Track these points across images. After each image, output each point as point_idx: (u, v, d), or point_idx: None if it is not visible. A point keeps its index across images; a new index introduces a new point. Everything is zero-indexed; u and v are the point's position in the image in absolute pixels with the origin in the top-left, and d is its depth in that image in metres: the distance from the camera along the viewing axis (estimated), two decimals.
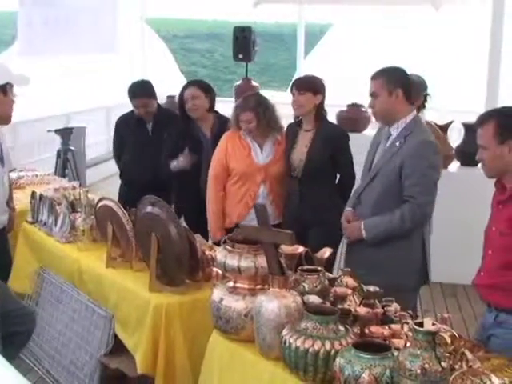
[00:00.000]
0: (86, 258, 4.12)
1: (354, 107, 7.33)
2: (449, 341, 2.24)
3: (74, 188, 4.98)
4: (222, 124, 5.01)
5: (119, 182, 5.80)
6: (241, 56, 9.85)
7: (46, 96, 10.35)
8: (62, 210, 4.47)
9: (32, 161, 8.90)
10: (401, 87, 3.73)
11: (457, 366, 2.30)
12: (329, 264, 3.28)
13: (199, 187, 4.94)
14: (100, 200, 4.11)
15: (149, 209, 3.60)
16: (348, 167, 4.58)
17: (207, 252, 3.59)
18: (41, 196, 4.73)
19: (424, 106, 4.94)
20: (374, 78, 3.79)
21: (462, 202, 5.90)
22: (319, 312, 2.53)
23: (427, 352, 2.21)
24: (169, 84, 11.67)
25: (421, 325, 2.25)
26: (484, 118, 2.99)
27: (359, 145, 4.68)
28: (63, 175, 7.44)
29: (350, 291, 2.88)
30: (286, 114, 5.02)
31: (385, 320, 2.71)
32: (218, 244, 3.97)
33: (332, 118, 5.29)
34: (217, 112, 5.23)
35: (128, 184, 5.58)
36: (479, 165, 3.14)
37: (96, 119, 11.20)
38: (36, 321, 3.95)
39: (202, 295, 3.39)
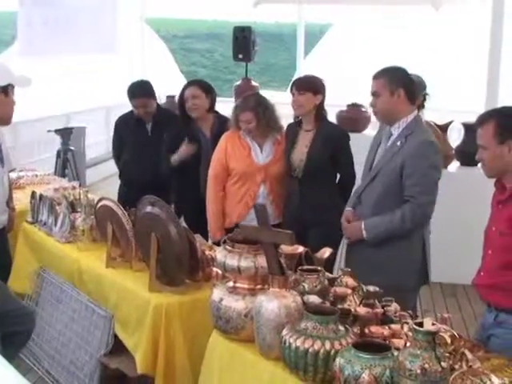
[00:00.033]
0: (85, 258, 4.12)
1: (354, 107, 7.33)
2: (449, 341, 2.25)
3: (73, 188, 4.98)
4: (221, 124, 5.01)
5: (119, 182, 5.80)
6: (241, 56, 9.85)
7: (45, 96, 10.35)
8: (62, 210, 4.47)
9: (32, 161, 8.90)
10: (403, 87, 3.74)
11: (457, 366, 2.30)
12: (329, 264, 3.28)
13: (199, 187, 4.94)
14: (100, 200, 4.11)
15: (148, 209, 3.60)
16: (348, 167, 4.58)
17: (207, 252, 3.59)
18: (41, 196, 4.73)
19: (423, 106, 4.95)
20: (376, 77, 3.79)
21: (461, 201, 5.90)
22: (319, 312, 2.53)
23: (427, 352, 2.21)
24: (169, 84, 11.67)
25: (421, 325, 2.25)
26: (484, 118, 2.99)
27: (359, 145, 4.68)
28: (63, 175, 7.44)
29: (349, 291, 2.88)
30: (285, 113, 5.02)
31: (385, 320, 2.71)
32: (217, 244, 3.97)
33: (332, 117, 5.29)
34: (216, 112, 5.23)
35: (127, 184, 5.58)
36: (479, 165, 3.14)
37: (96, 119, 11.20)
38: (35, 321, 3.96)
39: (202, 295, 3.39)
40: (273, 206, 4.61)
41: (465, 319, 5.48)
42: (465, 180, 6.06)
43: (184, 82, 8.96)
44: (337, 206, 4.32)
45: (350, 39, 14.92)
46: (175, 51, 23.00)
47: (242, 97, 4.85)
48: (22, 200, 5.11)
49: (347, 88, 10.45)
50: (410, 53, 12.42)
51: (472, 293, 5.20)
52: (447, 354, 2.27)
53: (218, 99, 5.30)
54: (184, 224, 4.51)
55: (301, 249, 3.04)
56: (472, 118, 4.02)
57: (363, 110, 7.32)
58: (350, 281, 2.98)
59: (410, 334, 2.39)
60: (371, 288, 2.88)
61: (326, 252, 3.17)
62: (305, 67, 11.82)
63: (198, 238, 3.80)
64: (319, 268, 3.03)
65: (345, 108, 7.35)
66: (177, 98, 5.32)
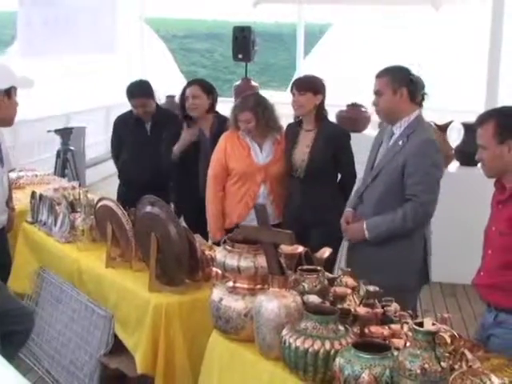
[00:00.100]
0: (85, 258, 4.12)
1: (354, 107, 7.34)
2: (448, 341, 2.25)
3: (73, 188, 4.98)
4: (221, 124, 5.01)
5: (118, 181, 5.80)
6: (240, 56, 9.85)
7: (45, 96, 10.35)
8: (62, 210, 4.47)
9: (32, 161, 8.89)
10: (406, 86, 3.74)
11: (456, 366, 2.30)
12: (329, 264, 3.28)
13: (198, 187, 4.94)
14: (99, 200, 4.11)
15: (148, 209, 3.60)
16: (349, 166, 4.58)
17: (207, 252, 3.60)
18: (40, 196, 4.73)
19: (421, 106, 4.94)
20: (379, 76, 3.80)
21: (461, 201, 5.90)
22: (319, 312, 2.53)
23: (427, 352, 2.21)
24: (168, 84, 11.68)
25: (421, 325, 2.25)
26: (484, 118, 2.99)
27: (359, 144, 4.69)
28: (63, 175, 7.44)
29: (349, 291, 2.88)
30: (285, 113, 5.02)
31: (384, 320, 2.71)
32: (217, 244, 3.97)
33: (332, 117, 5.29)
34: (216, 112, 5.23)
35: (126, 184, 5.58)
36: (479, 165, 3.14)
37: (96, 119, 11.20)
38: (34, 320, 3.96)
39: (202, 295, 3.39)
40: (273, 206, 4.61)
41: (465, 319, 5.48)
42: (464, 180, 6.06)
43: (184, 81, 8.95)
44: (338, 206, 4.33)
45: (349, 39, 14.93)
46: (175, 51, 22.99)
47: (240, 97, 4.85)
48: (21, 200, 5.11)
49: (347, 88, 10.46)
50: (409, 53, 12.43)
51: (472, 293, 5.20)
52: (447, 354, 2.27)
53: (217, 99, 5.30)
54: (184, 224, 4.51)
55: (300, 249, 3.04)
56: (472, 118, 4.02)
57: (363, 109, 7.33)
58: (350, 281, 2.98)
59: (410, 333, 2.39)
60: (371, 288, 2.88)
61: (325, 252, 3.17)
62: (304, 67, 11.82)
63: (198, 237, 3.80)
64: (319, 268, 3.03)
65: (345, 108, 7.36)
66: (178, 97, 5.32)
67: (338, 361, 2.32)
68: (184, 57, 31.40)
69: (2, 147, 4.17)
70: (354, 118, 7.19)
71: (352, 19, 14.40)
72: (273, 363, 2.67)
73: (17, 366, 1.89)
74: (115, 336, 3.75)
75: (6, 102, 3.75)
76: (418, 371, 2.19)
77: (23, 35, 9.18)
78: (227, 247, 2.89)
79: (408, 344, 2.38)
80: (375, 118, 6.77)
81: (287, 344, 2.48)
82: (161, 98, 9.37)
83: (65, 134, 8.04)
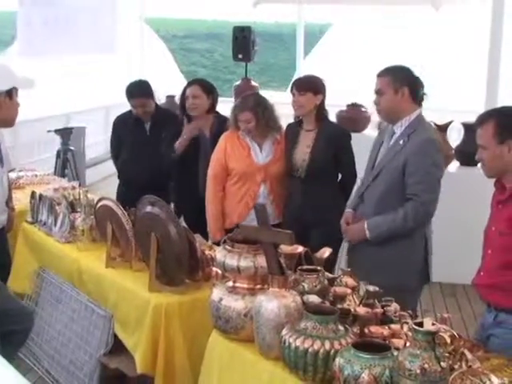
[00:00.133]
0: (85, 258, 4.12)
1: (354, 107, 7.34)
2: (448, 341, 2.24)
3: (73, 188, 4.98)
4: (220, 123, 5.00)
5: (118, 181, 5.80)
6: (240, 56, 9.86)
7: (45, 96, 10.35)
8: (62, 210, 4.47)
9: (32, 161, 8.89)
10: (407, 86, 3.75)
11: (456, 366, 2.30)
12: (329, 264, 3.27)
13: (198, 187, 4.94)
14: (99, 200, 4.11)
15: (148, 209, 3.60)
16: (350, 166, 4.58)
17: (207, 252, 3.60)
18: (40, 196, 4.73)
19: (421, 106, 4.94)
20: (381, 75, 3.80)
21: (461, 201, 5.90)
22: (319, 312, 2.53)
23: (427, 352, 2.21)
24: (168, 84, 11.68)
25: (420, 325, 2.26)
26: (483, 118, 2.99)
27: (359, 144, 4.69)
28: (63, 175, 7.43)
29: (349, 291, 2.88)
30: (285, 113, 5.02)
31: (384, 320, 2.71)
32: (217, 244, 3.97)
33: (332, 117, 5.29)
34: (216, 112, 5.23)
35: (126, 184, 5.58)
36: (479, 165, 3.14)
37: (96, 119, 11.20)
38: (34, 319, 3.96)
39: (202, 295, 3.39)
40: (273, 206, 4.61)
41: (464, 319, 5.48)
42: (464, 180, 6.06)
43: (184, 81, 8.93)
44: (338, 206, 4.34)
45: (349, 39, 14.93)
46: (175, 51, 22.99)
47: (240, 97, 4.85)
48: (21, 200, 5.11)
49: (347, 88, 10.45)
50: (409, 53, 12.42)
51: (472, 293, 5.20)
52: (447, 354, 2.27)
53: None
54: (184, 224, 4.51)
55: (300, 249, 3.04)
56: (472, 118, 4.02)
57: (363, 109, 7.34)
58: (350, 281, 2.98)
59: (410, 333, 2.39)
60: (371, 288, 2.88)
61: (325, 252, 3.17)
62: (304, 67, 11.82)
63: (198, 237, 3.81)
64: (319, 268, 3.03)
65: (344, 108, 7.36)
66: (178, 97, 5.32)
67: (338, 361, 2.32)
68: (184, 57, 31.40)
69: (1, 147, 4.17)
70: (353, 118, 7.19)
71: (352, 19, 14.39)
72: (272, 363, 2.67)
73: (17, 366, 1.90)
74: (115, 336, 3.75)
75: (8, 103, 3.75)
76: (418, 371, 2.19)
77: (23, 35, 9.18)
78: (227, 247, 2.89)
79: (408, 344, 2.38)
80: (375, 118, 6.78)
81: (287, 344, 2.48)
82: (161, 97, 9.37)
83: (65, 133, 8.04)
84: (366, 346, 2.33)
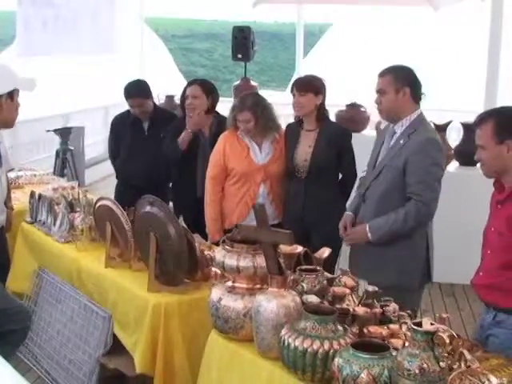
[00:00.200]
0: (84, 258, 4.12)
1: (353, 107, 7.34)
2: (447, 341, 2.24)
3: (72, 188, 4.98)
4: (220, 123, 5.00)
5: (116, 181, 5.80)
6: (240, 56, 9.85)
7: (45, 96, 10.35)
8: (61, 210, 4.47)
9: (31, 160, 8.89)
10: (408, 85, 3.75)
11: (455, 366, 2.30)
12: (328, 264, 3.27)
13: (197, 186, 4.95)
14: (99, 200, 4.11)
15: (147, 208, 3.60)
16: (351, 166, 4.58)
17: (206, 252, 3.59)
18: (40, 196, 4.73)
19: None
20: (382, 75, 3.81)
21: (460, 201, 5.90)
22: (318, 312, 2.53)
23: (425, 352, 2.21)
24: (168, 84, 11.67)
25: (419, 325, 2.26)
26: (482, 118, 2.99)
27: (358, 144, 4.69)
28: (62, 175, 7.43)
29: (348, 291, 2.88)
30: (285, 113, 5.02)
31: (383, 320, 2.71)
32: (217, 244, 3.97)
33: (331, 117, 5.29)
34: (216, 111, 5.23)
35: (124, 183, 5.58)
36: (478, 165, 3.14)
37: (95, 119, 11.20)
38: (32, 319, 3.96)
39: (201, 295, 3.40)
40: (272, 206, 4.60)
41: (463, 319, 5.48)
42: (464, 180, 6.06)
43: (183, 81, 8.92)
44: (340, 206, 4.34)
45: (349, 39, 14.93)
46: (174, 51, 23.01)
47: (239, 97, 4.85)
48: (20, 200, 5.11)
49: (346, 88, 10.45)
50: (409, 53, 12.42)
51: (471, 293, 5.19)
52: (446, 354, 2.27)
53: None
54: (183, 224, 4.51)
55: (300, 249, 3.04)
56: (471, 118, 4.02)
57: (362, 109, 7.34)
58: (349, 281, 2.98)
59: (409, 333, 2.39)
60: (370, 288, 2.88)
61: (324, 252, 3.18)
62: (304, 67, 11.82)
63: (197, 237, 3.81)
64: (318, 268, 3.03)
65: (344, 108, 7.36)
66: (177, 97, 5.32)
67: (337, 361, 2.32)
68: (183, 57, 31.42)
69: (1, 147, 4.16)
70: (353, 117, 7.18)
71: (351, 19, 14.40)
72: (271, 363, 2.67)
73: (15, 366, 1.89)
74: (114, 336, 3.75)
75: (9, 104, 3.75)
76: (417, 371, 2.19)
77: (22, 36, 9.17)
78: (226, 247, 2.89)
79: (407, 344, 2.38)
80: (374, 118, 6.78)
81: (286, 344, 2.48)
82: (160, 97, 9.37)
83: (64, 133, 8.04)
84: (364, 345, 2.33)
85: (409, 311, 2.83)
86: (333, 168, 4.55)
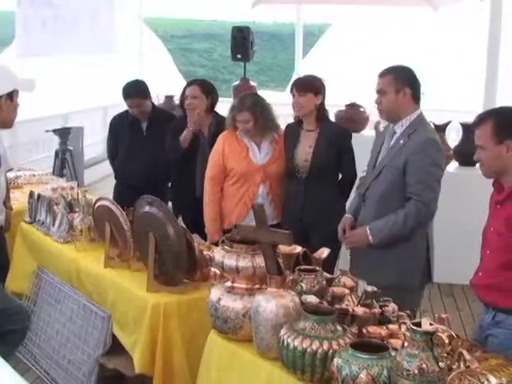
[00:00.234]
0: (83, 258, 4.12)
1: (353, 107, 7.34)
2: (446, 341, 2.24)
3: (71, 188, 4.98)
4: (219, 123, 5.00)
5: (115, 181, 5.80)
6: (239, 56, 9.86)
7: (44, 96, 10.35)
8: (60, 210, 4.47)
9: (30, 160, 8.89)
10: (408, 86, 3.76)
11: (454, 366, 2.30)
12: (327, 264, 3.27)
13: (196, 186, 4.95)
14: (98, 200, 4.11)
15: (146, 208, 3.60)
16: (351, 166, 4.58)
17: (205, 252, 3.60)
18: (39, 196, 4.73)
19: None
20: (382, 75, 3.81)
21: (459, 202, 5.90)
22: (317, 312, 2.53)
23: (425, 352, 2.21)
24: (167, 84, 11.68)
25: (418, 325, 2.26)
26: (481, 118, 2.99)
27: (357, 144, 4.69)
28: (61, 175, 7.43)
29: (347, 291, 2.88)
30: (284, 114, 5.02)
31: (382, 320, 2.71)
32: (216, 244, 3.97)
33: (330, 118, 5.29)
34: (215, 111, 5.23)
35: (123, 184, 5.57)
36: (477, 165, 3.14)
37: (94, 119, 11.20)
38: (31, 319, 3.96)
39: (200, 295, 3.39)
40: (271, 206, 4.60)
41: (463, 319, 5.49)
42: (463, 180, 6.06)
43: (182, 81, 8.92)
44: (339, 206, 4.34)
45: (348, 39, 14.94)
46: (173, 51, 23.01)
47: (238, 97, 4.85)
48: (19, 200, 5.10)
49: (346, 88, 10.46)
50: (408, 53, 12.43)
51: (470, 293, 5.18)
52: (445, 354, 2.27)
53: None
54: (182, 224, 4.51)
55: (299, 249, 3.04)
56: (470, 118, 4.02)
57: (361, 110, 7.34)
58: (348, 281, 2.98)
59: (408, 334, 2.39)
60: (369, 288, 2.88)
61: (324, 252, 3.17)
62: (303, 67, 11.83)
63: (196, 237, 3.81)
64: (317, 268, 3.03)
65: (343, 108, 7.36)
66: (177, 97, 5.33)
67: (336, 361, 2.32)
68: (183, 57, 31.42)
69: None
70: (352, 118, 7.18)
71: (350, 19, 14.41)
72: (271, 363, 2.67)
73: (15, 366, 1.89)
74: (113, 336, 3.75)
75: (8, 105, 3.76)
76: (416, 371, 2.19)
77: (22, 37, 9.17)
78: (225, 247, 2.89)
79: (406, 344, 2.39)
80: (374, 118, 6.79)
81: (285, 344, 2.48)
82: (160, 97, 9.38)
83: (63, 133, 8.04)
84: (364, 346, 2.33)
85: (408, 311, 2.83)
86: (333, 168, 4.55)
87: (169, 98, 9.43)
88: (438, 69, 12.50)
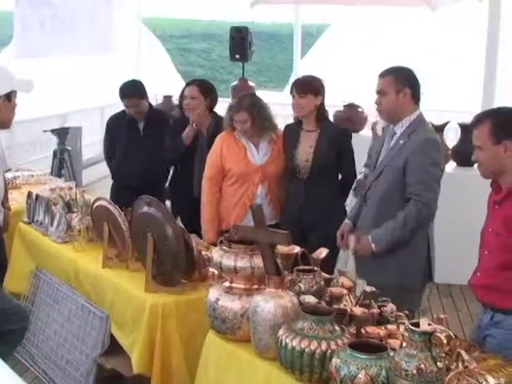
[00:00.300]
0: (82, 259, 4.11)
1: (351, 107, 7.35)
2: (445, 341, 2.25)
3: (70, 188, 4.98)
4: (217, 123, 5.00)
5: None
6: (237, 56, 9.85)
7: (42, 96, 10.34)
8: (58, 211, 4.46)
9: (28, 161, 8.87)
10: (409, 86, 3.76)
11: (453, 367, 2.30)
12: (326, 264, 3.27)
13: (194, 186, 4.96)
14: (96, 200, 4.11)
15: (145, 209, 3.60)
16: (351, 166, 4.59)
17: (203, 252, 3.59)
18: (37, 196, 4.73)
19: None
20: (383, 76, 3.81)
21: (458, 202, 5.90)
22: (315, 312, 2.53)
23: (423, 352, 2.21)
24: (165, 84, 11.67)
25: (417, 325, 2.26)
26: (479, 119, 2.99)
27: (356, 144, 4.69)
28: (59, 175, 7.42)
29: (345, 291, 2.88)
30: (283, 114, 5.02)
31: (381, 320, 2.72)
32: (214, 244, 3.97)
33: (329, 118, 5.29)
34: (213, 111, 5.23)
35: (120, 184, 5.57)
36: (475, 165, 3.14)
37: (92, 119, 11.18)
38: (29, 319, 3.96)
39: (198, 295, 3.39)
40: (270, 207, 4.60)
41: (461, 319, 5.49)
42: (461, 181, 6.06)
43: (181, 81, 8.91)
44: (340, 206, 4.34)
45: (346, 40, 14.93)
46: (172, 51, 23.00)
47: (236, 97, 4.85)
48: (18, 200, 5.10)
49: (344, 88, 10.46)
50: (406, 53, 12.43)
51: (468, 293, 5.19)
52: (443, 355, 2.27)
53: None
54: (181, 224, 4.51)
55: (297, 249, 3.04)
56: (468, 119, 4.02)
57: (360, 110, 7.35)
58: (346, 281, 2.98)
59: (406, 334, 2.39)
60: (368, 288, 2.88)
61: (322, 252, 3.18)
62: (301, 68, 11.82)
63: (194, 237, 3.80)
64: (315, 268, 3.03)
65: (341, 108, 7.36)
66: (176, 97, 5.34)
67: (335, 361, 2.32)
68: (181, 57, 31.39)
69: None
70: (350, 118, 7.19)
71: (349, 20, 14.40)
72: (269, 363, 2.67)
73: (13, 367, 1.89)
74: (111, 336, 3.75)
75: (6, 105, 3.75)
76: (414, 371, 2.19)
77: (20, 37, 9.15)
78: (224, 247, 2.89)
79: (404, 344, 2.39)
80: (372, 119, 6.79)
81: (283, 344, 2.48)
82: (158, 98, 9.37)
83: (61, 134, 8.03)
84: (362, 346, 2.34)
85: (406, 311, 2.83)
86: (333, 168, 4.56)
87: (167, 98, 9.42)
88: (436, 69, 12.49)
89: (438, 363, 2.21)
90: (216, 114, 5.20)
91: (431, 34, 13.36)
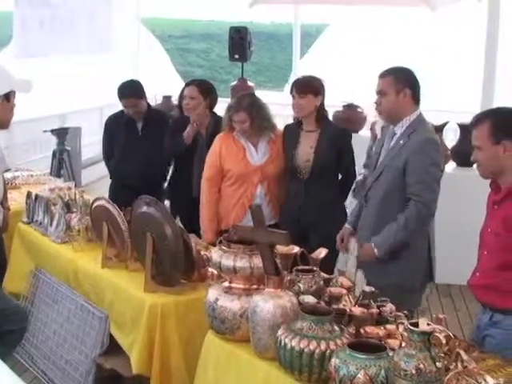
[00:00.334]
0: (81, 259, 4.11)
1: (350, 108, 7.35)
2: (444, 341, 2.25)
3: (69, 188, 4.97)
4: (217, 123, 5.00)
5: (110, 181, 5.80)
6: (237, 56, 9.85)
7: (41, 96, 10.33)
8: (58, 211, 4.46)
9: (27, 161, 8.87)
10: (409, 87, 3.76)
11: (452, 367, 2.30)
12: (325, 264, 3.27)
13: (193, 186, 4.96)
14: (95, 200, 4.10)
15: (144, 209, 3.60)
16: (351, 166, 4.59)
17: (202, 252, 3.59)
18: (36, 196, 4.73)
19: None
20: (383, 76, 3.81)
21: (457, 202, 5.90)
22: (314, 312, 2.53)
23: (422, 352, 2.21)
24: (165, 84, 11.67)
25: (416, 325, 2.26)
26: (479, 119, 2.99)
27: (355, 145, 4.69)
28: (59, 175, 7.42)
29: (344, 291, 2.88)
30: (282, 114, 5.01)
31: (380, 320, 2.72)
32: (213, 244, 3.96)
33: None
34: (213, 111, 5.23)
35: (118, 184, 5.57)
36: (475, 165, 3.14)
37: (92, 119, 11.18)
38: (29, 319, 3.95)
39: (198, 295, 3.39)
40: (269, 207, 4.60)
41: (460, 319, 5.49)
42: (460, 181, 6.06)
43: (180, 82, 8.91)
44: (340, 206, 4.34)
45: (346, 40, 14.94)
46: (171, 51, 23.00)
47: (235, 97, 4.85)
48: (17, 200, 5.10)
49: (343, 88, 10.46)
50: (405, 53, 12.44)
51: (467, 293, 5.19)
52: (442, 355, 2.27)
53: None
54: (180, 224, 4.51)
55: (296, 249, 3.04)
56: (468, 119, 4.03)
57: (359, 110, 7.35)
58: (345, 281, 2.98)
59: (405, 334, 2.39)
60: (367, 288, 2.88)
61: (321, 252, 3.17)
62: (301, 67, 11.82)
63: (194, 237, 3.80)
64: (314, 268, 3.03)
65: (341, 108, 7.36)
66: (175, 97, 5.34)
67: (334, 361, 2.32)
68: (180, 57, 31.39)
69: None
70: (350, 118, 7.19)
71: (348, 20, 14.41)
72: (268, 363, 2.67)
73: (12, 367, 1.89)
74: (111, 336, 3.75)
75: (5, 105, 3.75)
76: (413, 371, 2.19)
77: (19, 37, 9.15)
78: (223, 247, 2.89)
79: (403, 344, 2.39)
80: (371, 119, 6.78)
81: (283, 344, 2.48)
82: (157, 98, 9.37)
83: (60, 134, 8.02)
84: (361, 346, 2.34)
85: (405, 311, 2.83)
86: (333, 168, 4.56)
87: (167, 99, 9.43)
88: (435, 69, 12.50)
89: (437, 363, 2.21)
90: (215, 114, 5.20)
91: (430, 34, 13.37)
